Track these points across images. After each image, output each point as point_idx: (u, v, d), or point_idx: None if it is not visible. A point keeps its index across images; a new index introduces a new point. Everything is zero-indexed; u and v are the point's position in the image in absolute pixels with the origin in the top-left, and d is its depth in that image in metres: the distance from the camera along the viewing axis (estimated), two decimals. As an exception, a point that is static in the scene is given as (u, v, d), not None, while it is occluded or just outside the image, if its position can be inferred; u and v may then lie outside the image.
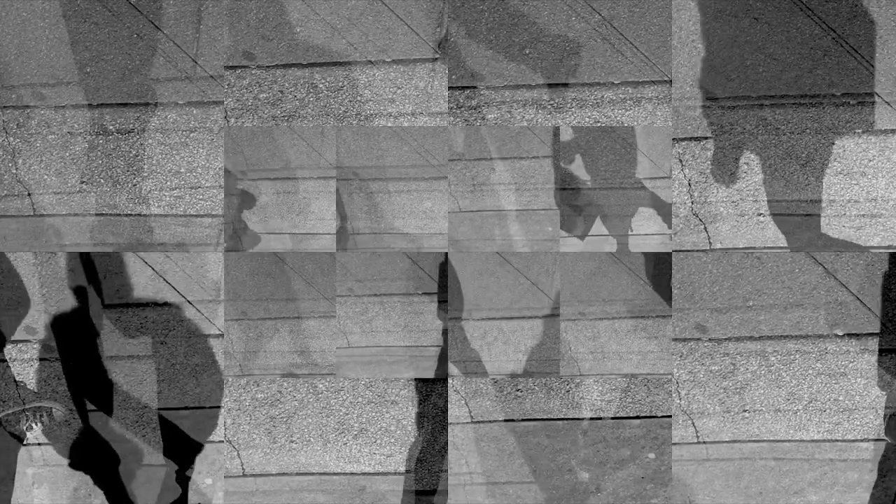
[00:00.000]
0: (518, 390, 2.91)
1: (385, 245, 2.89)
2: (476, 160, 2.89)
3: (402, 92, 2.90)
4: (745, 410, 2.89)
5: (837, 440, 2.89)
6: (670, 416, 2.90)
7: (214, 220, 2.90)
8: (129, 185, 2.89)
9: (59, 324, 2.88)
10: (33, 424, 2.85)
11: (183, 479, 2.89)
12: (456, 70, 2.90)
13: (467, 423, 2.92)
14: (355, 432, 2.92)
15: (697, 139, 2.89)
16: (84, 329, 2.88)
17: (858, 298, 2.87)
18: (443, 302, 2.90)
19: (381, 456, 2.92)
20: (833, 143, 2.88)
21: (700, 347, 2.90)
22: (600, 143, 2.88)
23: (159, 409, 2.91)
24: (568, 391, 2.90)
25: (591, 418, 2.91)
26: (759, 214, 2.88)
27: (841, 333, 2.88)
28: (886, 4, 2.89)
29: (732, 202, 2.88)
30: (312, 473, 2.92)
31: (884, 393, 2.87)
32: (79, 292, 2.86)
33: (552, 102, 2.89)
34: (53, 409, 2.85)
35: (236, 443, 2.91)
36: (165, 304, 2.89)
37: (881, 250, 2.87)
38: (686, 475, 2.91)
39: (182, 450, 2.90)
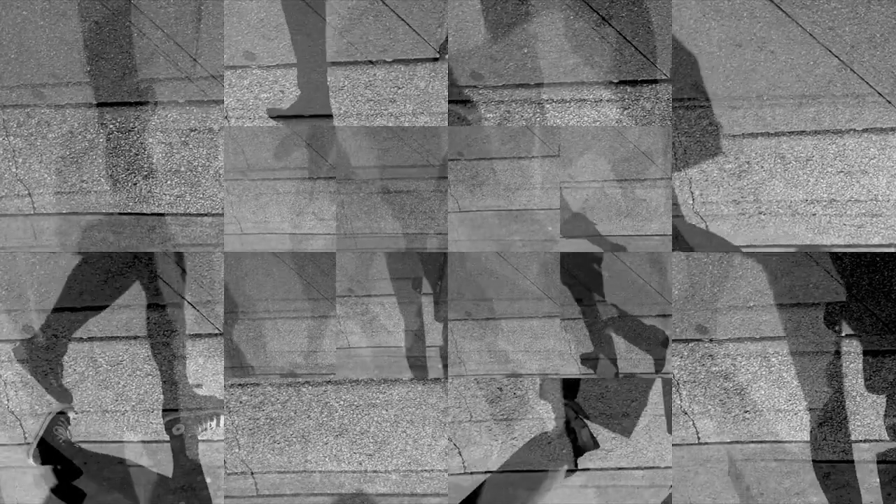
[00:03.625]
0: (518, 389, 2.90)
1: (385, 245, 2.89)
2: (476, 160, 2.89)
3: (402, 92, 2.90)
4: (745, 411, 2.89)
5: (840, 441, 2.88)
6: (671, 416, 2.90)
7: (214, 219, 2.90)
8: (129, 185, 2.89)
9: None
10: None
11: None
12: (456, 70, 2.90)
13: (466, 422, 2.91)
14: (370, 452, 2.91)
15: (698, 138, 2.89)
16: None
17: (858, 299, 2.87)
18: (443, 302, 2.90)
19: (396, 475, 2.91)
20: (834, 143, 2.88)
21: (701, 348, 2.89)
22: (600, 142, 2.88)
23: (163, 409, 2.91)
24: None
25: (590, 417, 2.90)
26: (760, 213, 2.88)
27: (842, 334, 2.87)
28: (887, 3, 2.89)
29: (734, 201, 2.88)
30: (326, 494, 2.91)
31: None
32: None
33: (552, 102, 2.89)
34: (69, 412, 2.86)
35: (250, 462, 2.90)
36: (167, 305, 2.90)
37: (882, 249, 2.87)
38: (687, 476, 2.90)
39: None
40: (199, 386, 2.89)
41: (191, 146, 2.90)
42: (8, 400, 2.90)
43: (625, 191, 2.88)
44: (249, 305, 2.90)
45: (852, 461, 2.88)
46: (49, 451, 2.88)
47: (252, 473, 2.91)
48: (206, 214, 2.90)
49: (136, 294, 2.90)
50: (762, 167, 2.89)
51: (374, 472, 2.91)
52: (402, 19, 2.91)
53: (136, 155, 2.90)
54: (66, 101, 2.89)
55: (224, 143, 2.89)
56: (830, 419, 2.88)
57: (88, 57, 2.89)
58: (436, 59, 2.90)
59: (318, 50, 2.89)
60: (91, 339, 2.90)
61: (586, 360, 2.88)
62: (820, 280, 2.87)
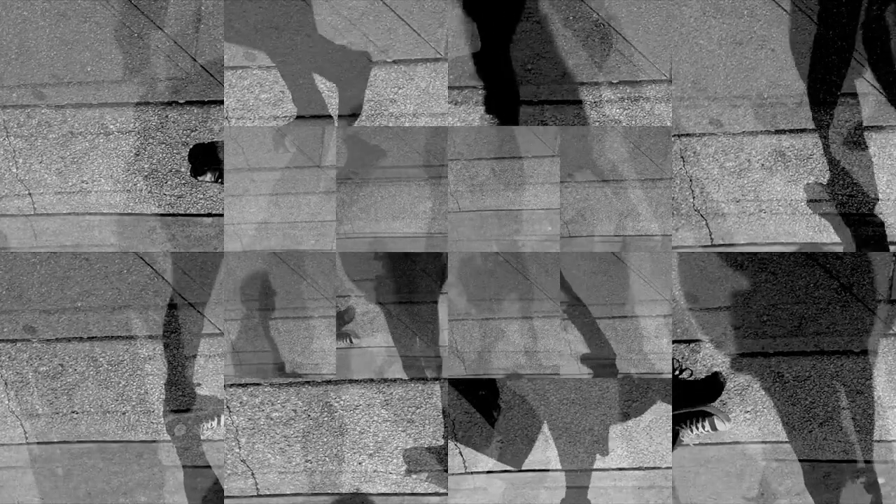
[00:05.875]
0: (518, 388, 2.90)
1: (385, 246, 2.89)
2: (476, 160, 2.90)
3: (402, 92, 2.90)
4: (746, 411, 2.89)
5: (840, 441, 2.88)
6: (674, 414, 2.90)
7: (214, 219, 2.90)
8: (129, 185, 2.90)
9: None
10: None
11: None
12: (455, 70, 2.90)
13: (465, 422, 2.91)
14: (370, 451, 2.91)
15: (698, 135, 2.89)
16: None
17: (860, 300, 2.87)
18: (442, 302, 2.90)
19: (396, 476, 2.91)
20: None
21: (699, 348, 2.89)
22: (600, 142, 2.89)
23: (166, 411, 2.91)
24: (568, 391, 2.89)
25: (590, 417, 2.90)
26: (761, 212, 2.88)
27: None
28: (887, 2, 2.89)
29: (734, 199, 2.88)
30: (326, 494, 2.91)
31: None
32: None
33: (552, 102, 2.89)
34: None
35: (250, 462, 2.91)
36: (168, 305, 2.90)
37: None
38: (687, 476, 2.90)
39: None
40: (199, 385, 2.89)
41: (191, 146, 2.90)
42: (8, 400, 2.90)
43: (625, 191, 2.89)
44: (249, 305, 2.90)
45: (852, 461, 2.88)
46: None
47: (252, 473, 2.92)
48: (206, 214, 2.90)
49: (136, 294, 2.90)
50: (763, 165, 2.89)
51: (375, 472, 2.91)
52: (403, 20, 2.91)
53: (136, 155, 2.90)
54: (66, 101, 2.89)
55: (224, 142, 2.90)
56: (830, 419, 2.88)
57: (88, 57, 2.90)
58: (436, 59, 2.91)
59: (305, 52, 2.90)
60: (91, 339, 2.90)
61: (586, 360, 2.89)
62: (820, 279, 2.87)
